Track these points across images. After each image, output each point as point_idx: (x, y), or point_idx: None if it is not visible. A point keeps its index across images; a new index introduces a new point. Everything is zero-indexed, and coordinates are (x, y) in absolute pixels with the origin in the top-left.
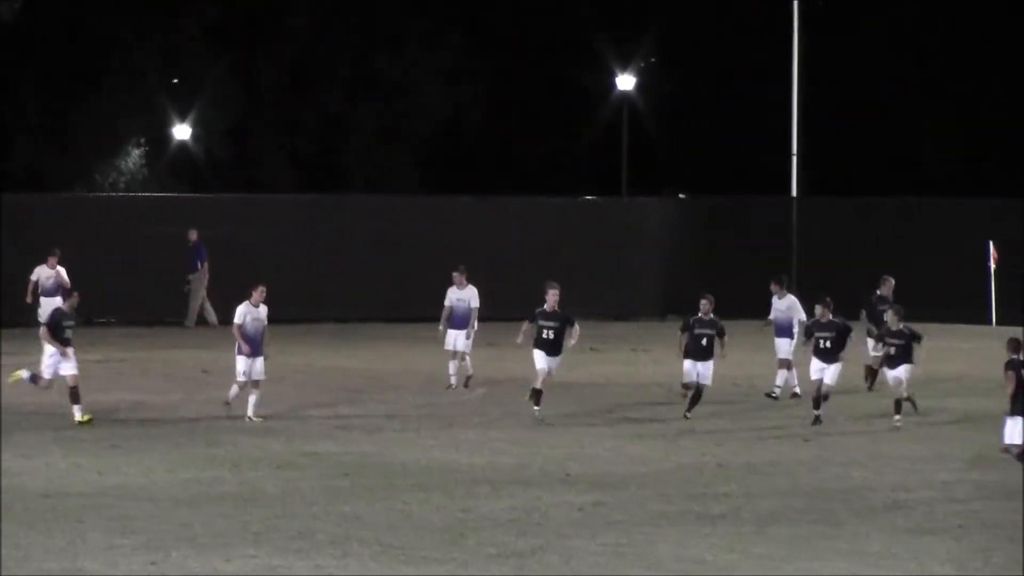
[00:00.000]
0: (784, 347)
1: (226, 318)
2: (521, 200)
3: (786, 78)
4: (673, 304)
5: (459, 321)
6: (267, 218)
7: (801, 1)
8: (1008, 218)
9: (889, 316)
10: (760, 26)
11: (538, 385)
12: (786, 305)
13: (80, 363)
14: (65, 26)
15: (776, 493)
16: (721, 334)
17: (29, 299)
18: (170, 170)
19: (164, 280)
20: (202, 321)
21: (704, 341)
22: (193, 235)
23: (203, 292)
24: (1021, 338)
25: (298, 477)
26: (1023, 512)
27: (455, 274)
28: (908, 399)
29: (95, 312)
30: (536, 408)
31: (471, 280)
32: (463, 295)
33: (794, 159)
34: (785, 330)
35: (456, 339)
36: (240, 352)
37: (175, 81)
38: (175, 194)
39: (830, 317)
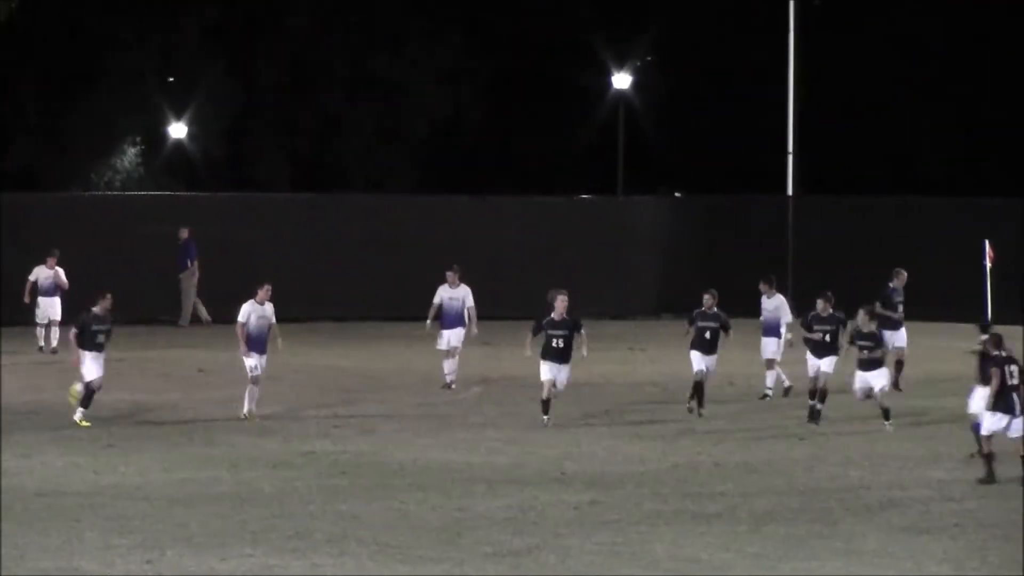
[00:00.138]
0: (771, 347)
1: (223, 317)
2: (518, 199)
3: (782, 77)
4: (669, 303)
5: (451, 320)
6: (265, 217)
7: (798, 0)
8: (1005, 217)
9: (860, 316)
10: (756, 25)
11: (544, 396)
12: (774, 305)
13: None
14: (62, 25)
15: (772, 492)
16: (725, 328)
17: (27, 299)
18: (166, 169)
19: (160, 279)
20: (196, 319)
21: (708, 334)
22: (184, 233)
23: (194, 290)
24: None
25: (295, 476)
26: (1023, 512)
27: (449, 273)
28: (884, 408)
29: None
30: (545, 417)
31: (468, 279)
32: (455, 294)
33: (790, 158)
34: (772, 330)
35: (449, 338)
36: (248, 351)
37: (170, 80)
38: (172, 193)
39: (831, 311)
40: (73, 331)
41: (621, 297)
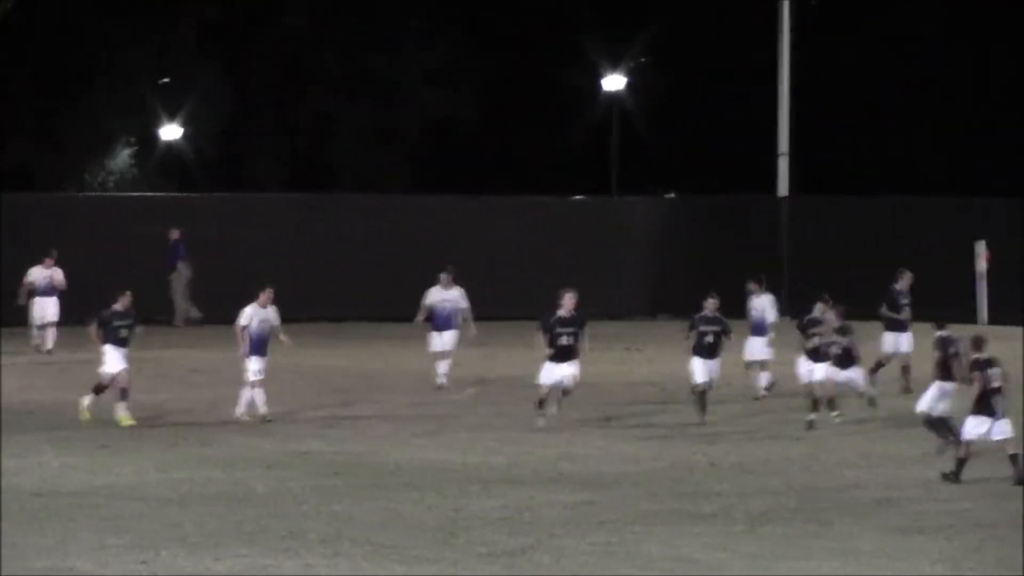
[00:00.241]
0: (758, 346)
1: (219, 317)
2: (512, 200)
3: (776, 77)
4: (664, 303)
5: (442, 322)
6: (259, 217)
7: (792, 0)
8: (1001, 218)
9: (817, 307)
10: (750, 25)
11: (543, 395)
12: (762, 304)
13: (70, 363)
14: (56, 26)
15: (767, 492)
16: (727, 332)
17: (22, 301)
18: (159, 169)
19: (155, 280)
20: (189, 320)
21: (710, 339)
22: (174, 234)
23: (183, 290)
24: None
25: (289, 477)
26: (1023, 510)
27: (443, 275)
28: (830, 402)
29: (83, 312)
30: (541, 420)
31: (463, 279)
32: (448, 296)
33: (783, 158)
34: (761, 329)
35: (441, 341)
36: (249, 353)
37: (164, 80)
38: (166, 194)
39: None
40: (92, 327)
41: (615, 297)
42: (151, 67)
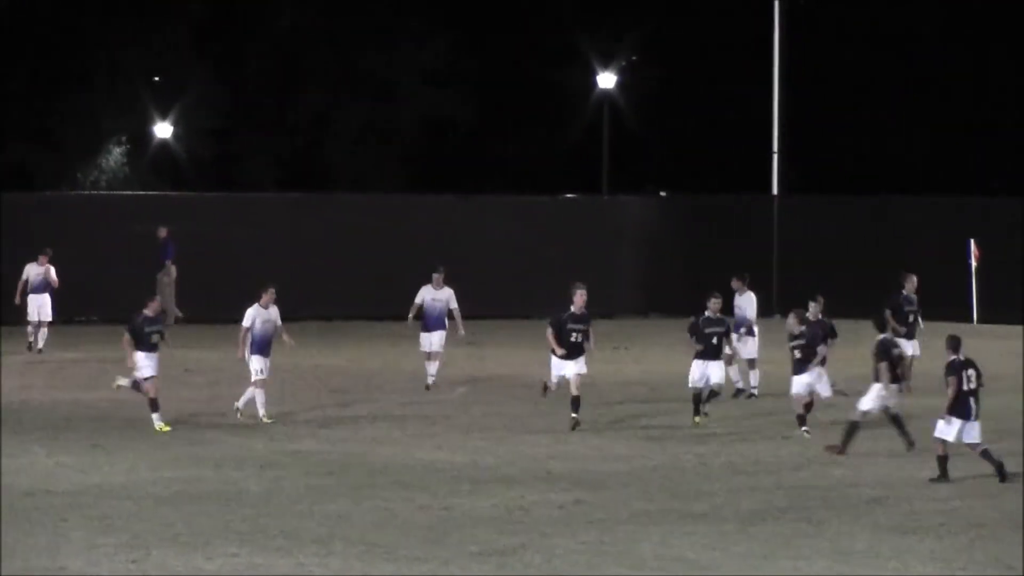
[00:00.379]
0: (749, 346)
1: (212, 316)
2: (504, 199)
3: (768, 76)
4: (656, 302)
5: (433, 322)
6: (252, 217)
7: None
8: (992, 217)
9: (790, 319)
10: (742, 24)
11: (551, 387)
12: (746, 303)
13: (61, 362)
14: (49, 24)
15: (758, 491)
16: (728, 333)
17: (19, 300)
18: (151, 168)
19: (149, 278)
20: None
21: (714, 340)
22: (163, 232)
23: (170, 289)
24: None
25: (281, 476)
26: (1023, 509)
27: (435, 275)
28: (801, 415)
29: (76, 311)
30: (544, 395)
31: (454, 278)
32: (439, 295)
33: (775, 157)
34: (746, 328)
35: (431, 340)
36: (251, 352)
37: (156, 79)
38: (159, 192)
39: (820, 316)
40: (125, 336)
41: (607, 296)
42: (146, 66)
